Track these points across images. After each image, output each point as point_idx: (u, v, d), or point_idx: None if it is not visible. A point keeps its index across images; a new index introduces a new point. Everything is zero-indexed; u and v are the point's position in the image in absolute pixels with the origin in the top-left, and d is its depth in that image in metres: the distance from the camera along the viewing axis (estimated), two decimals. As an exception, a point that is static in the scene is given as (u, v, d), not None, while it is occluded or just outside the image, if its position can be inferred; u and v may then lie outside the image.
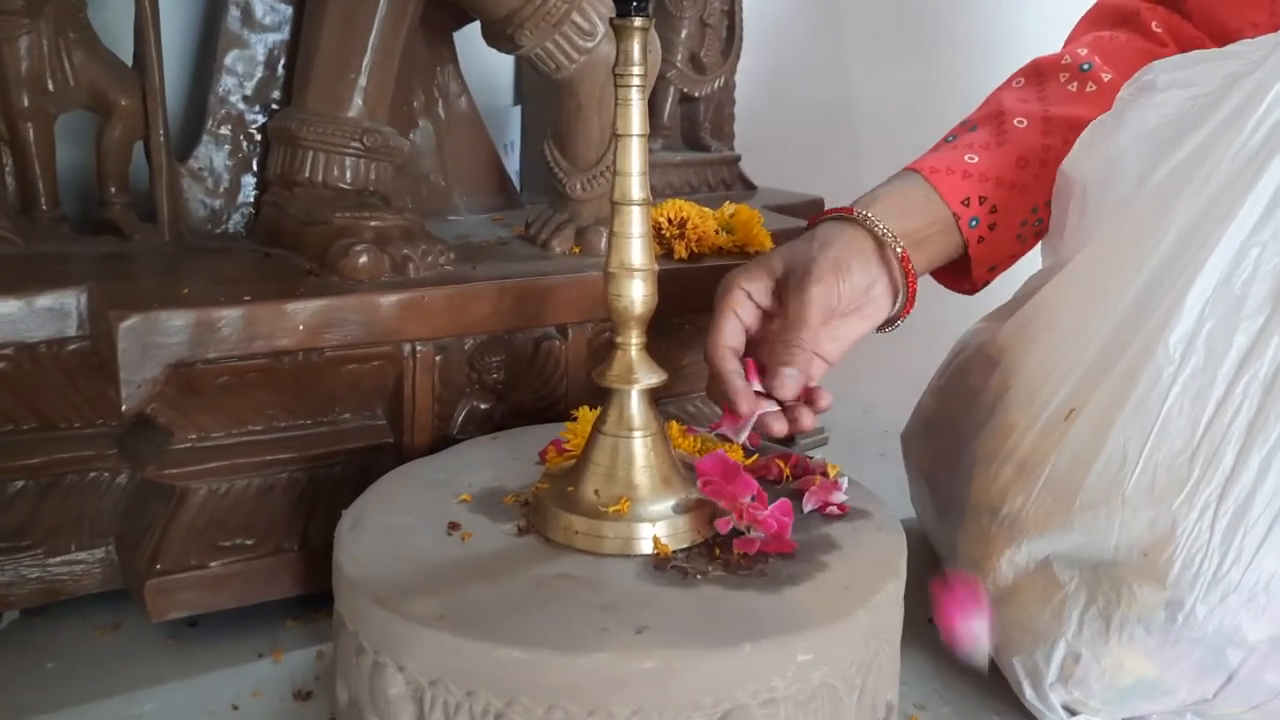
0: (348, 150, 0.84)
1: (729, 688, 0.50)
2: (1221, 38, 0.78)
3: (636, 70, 0.58)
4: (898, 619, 0.59)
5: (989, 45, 1.43)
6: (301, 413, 0.74)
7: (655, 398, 0.62)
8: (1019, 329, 0.72)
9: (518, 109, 1.19)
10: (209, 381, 0.68)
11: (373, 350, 0.73)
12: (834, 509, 0.64)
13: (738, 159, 1.23)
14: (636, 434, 0.61)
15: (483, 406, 0.79)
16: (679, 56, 1.16)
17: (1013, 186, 0.74)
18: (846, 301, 0.70)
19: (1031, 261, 0.80)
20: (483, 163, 1.03)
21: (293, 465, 0.74)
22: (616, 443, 0.61)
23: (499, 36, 0.84)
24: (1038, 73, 0.80)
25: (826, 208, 0.83)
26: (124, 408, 0.65)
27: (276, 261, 0.80)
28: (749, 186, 1.23)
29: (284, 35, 0.91)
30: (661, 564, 0.58)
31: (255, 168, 0.90)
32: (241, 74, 0.90)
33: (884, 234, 0.71)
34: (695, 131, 1.21)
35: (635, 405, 0.61)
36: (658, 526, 0.59)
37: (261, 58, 0.90)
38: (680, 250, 0.86)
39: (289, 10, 0.90)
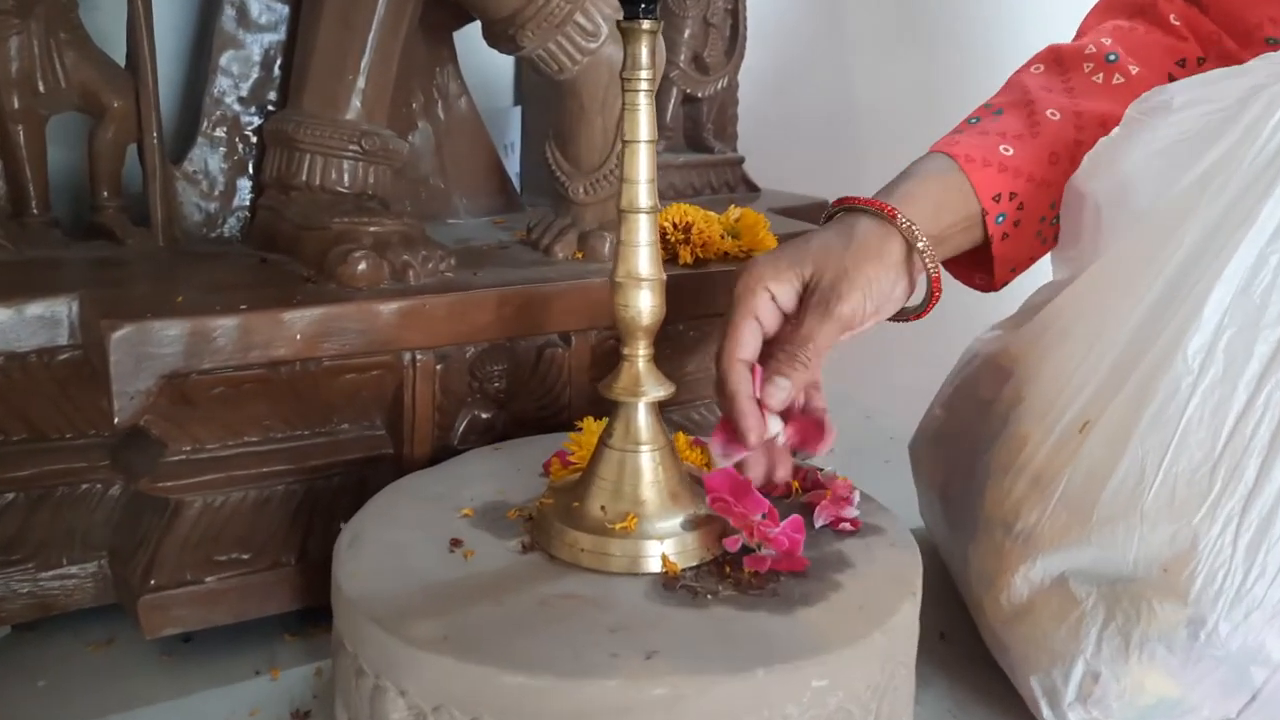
0: (345, 153, 0.82)
1: (742, 715, 0.49)
2: (1240, 33, 0.76)
3: (645, 74, 0.56)
4: (914, 640, 0.58)
5: (994, 45, 1.42)
6: (299, 423, 0.72)
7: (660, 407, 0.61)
8: (1032, 339, 0.70)
9: (518, 109, 1.18)
10: (204, 392, 0.67)
11: (372, 359, 0.71)
12: (846, 524, 0.63)
13: (741, 160, 1.21)
14: (644, 448, 0.59)
15: (484, 416, 0.78)
16: (682, 56, 1.15)
17: (1041, 183, 0.72)
18: (866, 316, 0.66)
19: (1041, 271, 0.79)
20: (483, 165, 1.01)
21: (290, 477, 0.72)
22: (623, 457, 0.59)
23: (500, 37, 0.83)
24: (1059, 61, 0.78)
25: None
26: (116, 420, 0.64)
27: (273, 267, 0.78)
28: (752, 188, 1.22)
29: (280, 35, 0.89)
30: (670, 583, 0.56)
31: (251, 171, 0.88)
32: (237, 75, 0.88)
33: (921, 244, 0.67)
34: (698, 132, 1.20)
35: (642, 418, 0.60)
36: (666, 544, 0.58)
37: (257, 58, 0.89)
38: (685, 256, 0.84)
39: (285, 9, 0.88)
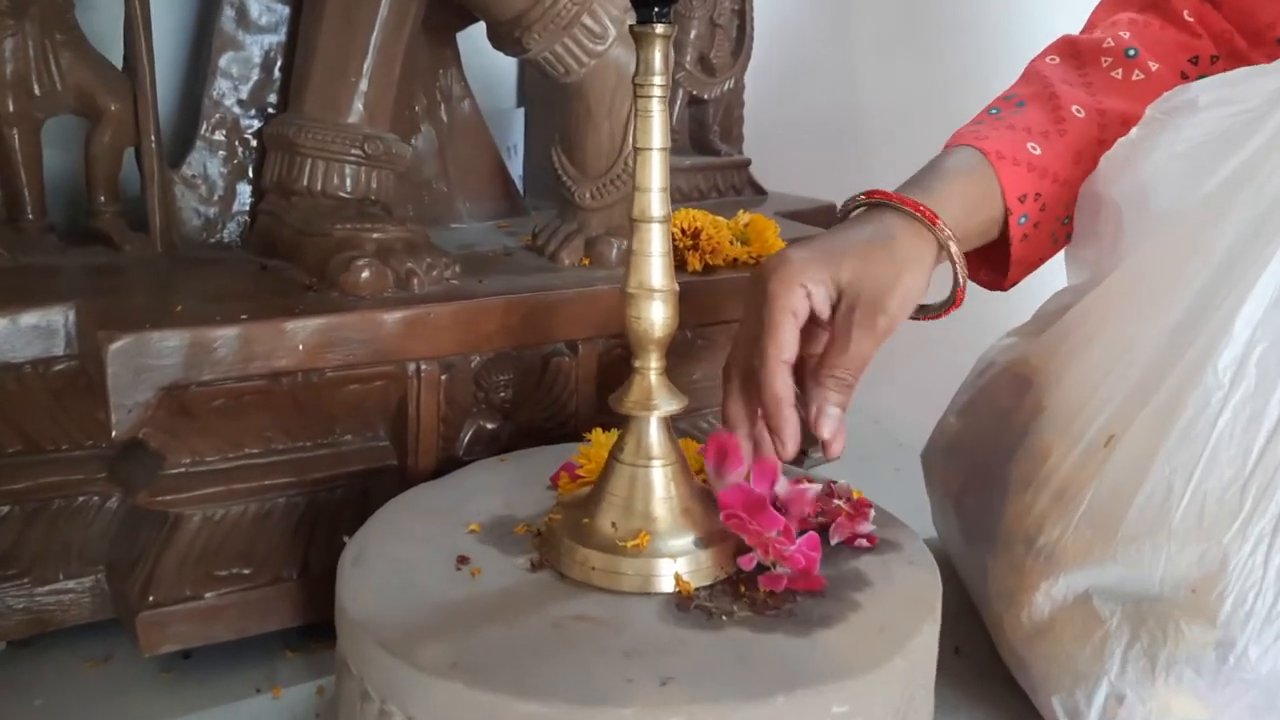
0: (348, 158, 0.81)
1: (761, 743, 0.47)
2: (1251, 31, 0.75)
3: (658, 80, 0.55)
4: (933, 662, 0.56)
5: (1001, 47, 1.40)
6: (300, 435, 0.70)
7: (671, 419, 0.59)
8: (1052, 347, 0.69)
9: (521, 111, 1.16)
10: (204, 404, 0.65)
11: (375, 370, 0.70)
12: (863, 540, 0.61)
13: (747, 163, 1.20)
14: (655, 464, 0.58)
15: (490, 426, 0.76)
16: (688, 58, 1.13)
17: (1064, 183, 0.70)
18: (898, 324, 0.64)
19: (1056, 275, 0.77)
20: (487, 168, 1.00)
21: (291, 490, 0.70)
22: (634, 472, 0.58)
23: (506, 39, 0.81)
24: (1076, 54, 0.76)
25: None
26: (114, 433, 0.62)
27: (273, 274, 0.77)
28: (759, 191, 1.20)
29: (280, 36, 0.87)
30: (684, 603, 0.55)
31: (251, 175, 0.86)
32: (236, 77, 0.86)
33: (956, 252, 0.65)
34: (704, 135, 1.18)
35: (654, 433, 0.58)
36: (679, 562, 0.56)
37: (257, 60, 0.87)
38: (694, 262, 0.83)
39: (285, 10, 0.87)
